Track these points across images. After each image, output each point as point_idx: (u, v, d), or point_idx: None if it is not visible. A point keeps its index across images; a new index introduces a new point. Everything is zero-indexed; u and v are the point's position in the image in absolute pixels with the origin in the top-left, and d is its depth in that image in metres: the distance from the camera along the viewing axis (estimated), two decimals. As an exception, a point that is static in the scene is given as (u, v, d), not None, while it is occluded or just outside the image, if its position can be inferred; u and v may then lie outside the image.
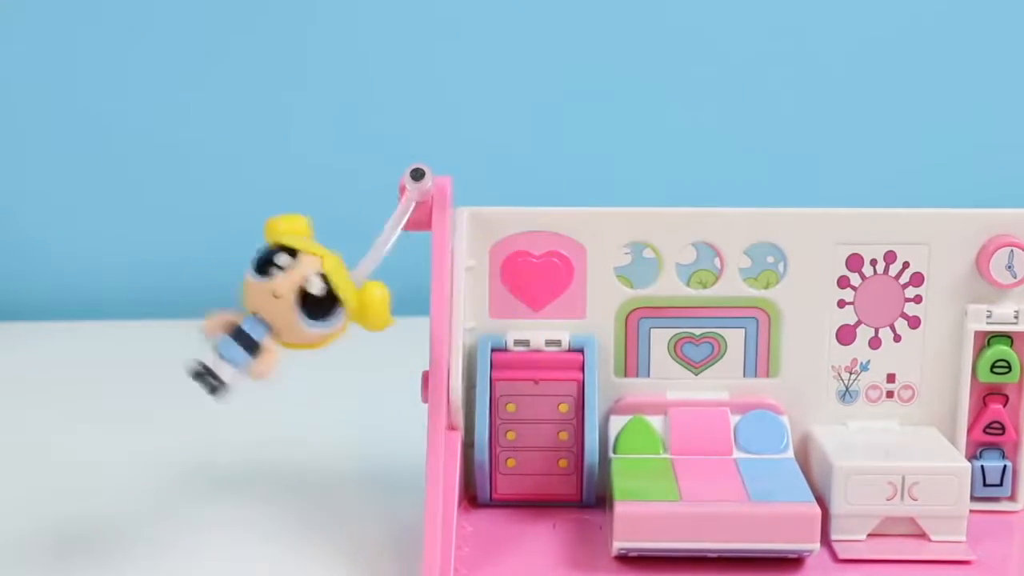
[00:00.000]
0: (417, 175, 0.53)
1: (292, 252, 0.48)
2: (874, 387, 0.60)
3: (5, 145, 1.05)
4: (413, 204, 0.54)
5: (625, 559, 0.53)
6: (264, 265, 0.48)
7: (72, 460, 0.71)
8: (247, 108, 1.04)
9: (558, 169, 1.04)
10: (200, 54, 1.03)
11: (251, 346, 0.48)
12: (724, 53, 1.03)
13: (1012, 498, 0.59)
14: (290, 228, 0.49)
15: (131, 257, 1.07)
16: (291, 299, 0.47)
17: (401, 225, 0.53)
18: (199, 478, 0.67)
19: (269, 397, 0.83)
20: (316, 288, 0.48)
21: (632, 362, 0.60)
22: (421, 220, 0.55)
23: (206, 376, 0.48)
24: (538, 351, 0.58)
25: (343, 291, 0.48)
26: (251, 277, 0.48)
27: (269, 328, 0.48)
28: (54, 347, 0.97)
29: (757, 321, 0.59)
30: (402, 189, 0.54)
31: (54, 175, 1.06)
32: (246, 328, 0.48)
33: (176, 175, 1.06)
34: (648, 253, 0.59)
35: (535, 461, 0.58)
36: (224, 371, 0.48)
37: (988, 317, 0.58)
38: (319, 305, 0.48)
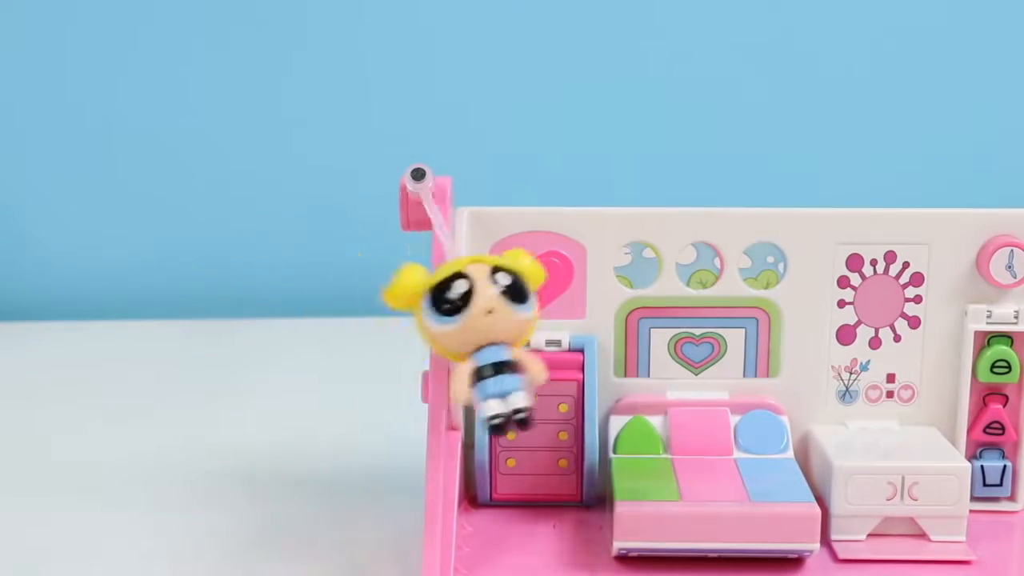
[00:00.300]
0: (417, 175, 0.53)
1: (458, 276, 0.47)
2: (874, 387, 0.60)
3: (5, 145, 1.05)
4: (431, 199, 0.53)
5: (625, 559, 0.53)
6: (446, 307, 0.47)
7: (72, 460, 0.71)
8: (248, 108, 1.04)
9: (558, 169, 1.04)
10: (200, 54, 1.03)
11: (511, 367, 0.47)
12: (724, 53, 1.03)
13: (1012, 498, 0.59)
14: (414, 277, 0.48)
15: (131, 257, 1.07)
16: (501, 302, 0.47)
17: (439, 216, 0.53)
18: (199, 478, 0.67)
19: (269, 397, 0.83)
20: (506, 279, 0.47)
21: (632, 362, 0.60)
22: (421, 220, 0.55)
23: (508, 420, 0.47)
24: (538, 351, 0.58)
25: (516, 268, 0.48)
26: (444, 325, 0.47)
27: (502, 344, 0.47)
28: (54, 347, 0.97)
29: (757, 321, 0.59)
30: (403, 189, 0.54)
31: (54, 175, 1.06)
32: (490, 360, 0.47)
33: (176, 175, 1.06)
34: (648, 253, 0.59)
35: (535, 461, 0.58)
36: (519, 400, 0.47)
37: (988, 317, 0.58)
38: (518, 289, 0.48)
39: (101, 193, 1.06)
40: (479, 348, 0.47)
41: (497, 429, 0.47)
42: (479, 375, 0.47)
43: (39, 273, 1.08)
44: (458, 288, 0.47)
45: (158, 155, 1.05)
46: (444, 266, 0.48)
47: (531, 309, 0.48)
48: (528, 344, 0.52)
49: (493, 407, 0.47)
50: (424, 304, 0.48)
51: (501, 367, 0.47)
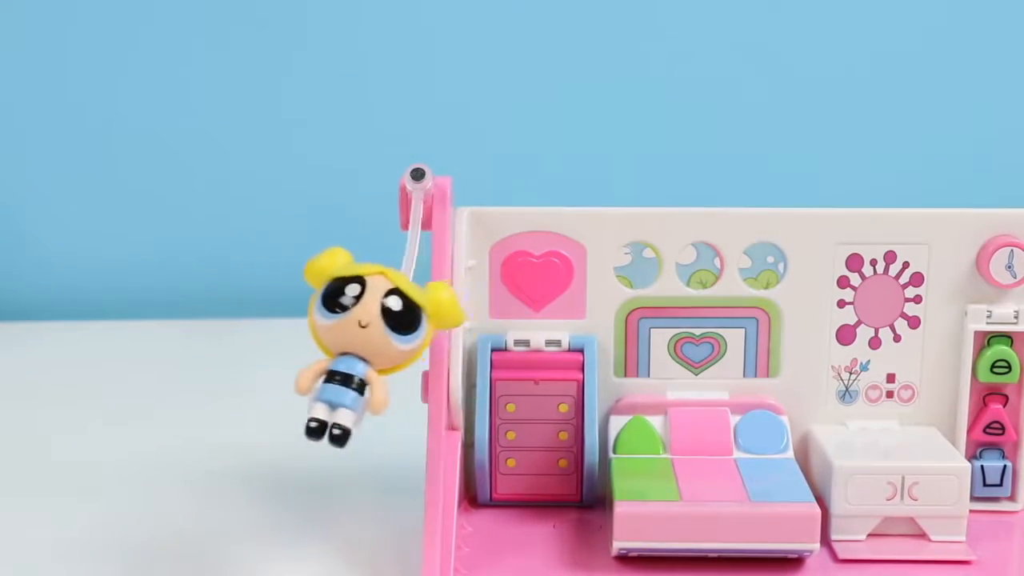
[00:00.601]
0: (417, 175, 0.53)
1: (356, 280, 0.47)
2: (874, 387, 0.60)
3: (5, 145, 1.05)
4: (421, 203, 0.53)
5: (625, 559, 0.53)
6: (333, 303, 0.47)
7: (72, 460, 0.71)
8: (248, 108, 1.04)
9: (558, 169, 1.04)
10: (201, 54, 1.03)
11: (356, 383, 0.47)
12: (724, 53, 1.03)
13: (1012, 498, 0.59)
14: (332, 261, 0.48)
15: (131, 257, 1.07)
16: (378, 323, 0.47)
17: (419, 225, 0.53)
18: (199, 478, 0.67)
19: (269, 397, 0.83)
20: (396, 304, 0.47)
21: (632, 362, 0.60)
22: (422, 220, 0.55)
23: (325, 430, 0.46)
24: (538, 351, 0.58)
25: (419, 299, 0.48)
26: (324, 319, 0.47)
27: (364, 360, 0.47)
28: (54, 347, 0.97)
29: (757, 321, 0.59)
30: (403, 189, 0.54)
31: (54, 175, 1.06)
32: (343, 368, 0.47)
33: (176, 175, 1.06)
34: (648, 253, 0.59)
35: (535, 461, 0.58)
36: (342, 417, 0.46)
37: (988, 317, 0.58)
38: (404, 319, 0.47)
39: (101, 193, 1.06)
40: (343, 353, 0.47)
41: (311, 433, 0.47)
42: (327, 376, 0.47)
43: (39, 273, 1.08)
44: (350, 291, 0.47)
45: (158, 155, 1.05)
46: (358, 266, 0.48)
47: (412, 342, 0.48)
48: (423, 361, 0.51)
49: (318, 411, 0.47)
50: (320, 291, 0.48)
51: (347, 379, 0.47)
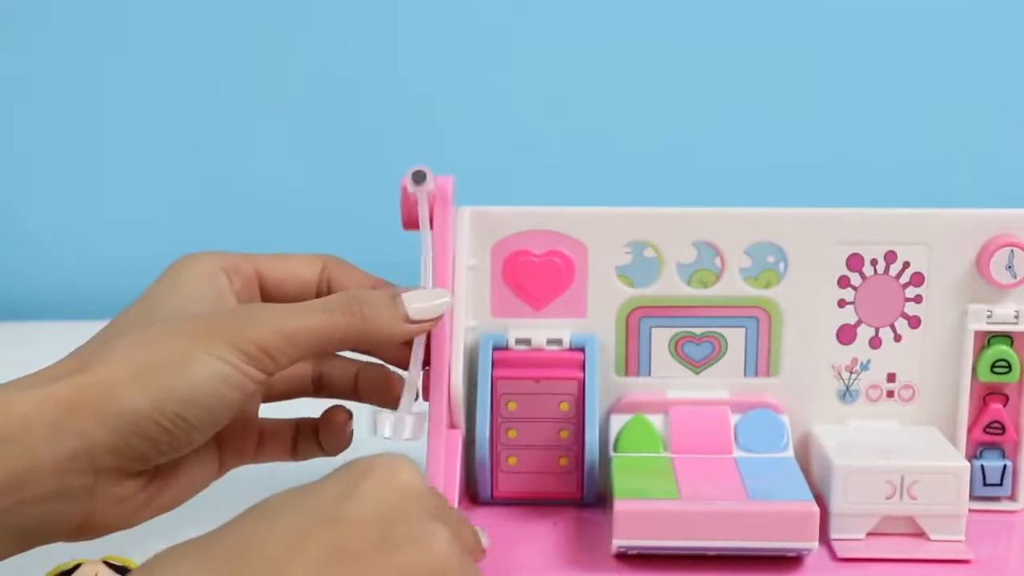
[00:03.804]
0: (419, 178, 0.53)
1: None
2: (874, 387, 0.60)
3: (5, 145, 1.05)
4: (427, 206, 0.54)
5: (625, 557, 0.53)
6: None
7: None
8: (248, 108, 1.04)
9: (559, 169, 1.04)
10: (201, 54, 1.03)
11: None
12: (724, 53, 1.03)
13: (1012, 498, 0.59)
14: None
15: (131, 257, 1.07)
16: None
17: (429, 227, 0.53)
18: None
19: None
20: None
21: (633, 361, 0.60)
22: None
23: None
24: (539, 350, 0.58)
25: None
26: None
27: None
28: (54, 347, 0.97)
29: (757, 320, 0.59)
30: (404, 191, 0.54)
31: (54, 175, 1.06)
32: None
33: (177, 175, 1.06)
34: (649, 252, 0.59)
35: (536, 459, 0.58)
36: None
37: (988, 317, 0.58)
38: None
39: (102, 193, 1.06)
40: None
41: None
42: None
43: (39, 273, 1.08)
44: None
45: (159, 155, 1.05)
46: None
47: None
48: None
49: None
50: None
51: None
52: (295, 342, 0.47)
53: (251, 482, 0.66)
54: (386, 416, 0.51)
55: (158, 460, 0.47)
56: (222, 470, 0.54)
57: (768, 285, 0.59)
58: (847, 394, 0.60)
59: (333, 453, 0.56)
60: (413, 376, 0.52)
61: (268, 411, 0.58)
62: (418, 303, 0.51)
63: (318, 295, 0.55)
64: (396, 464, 0.42)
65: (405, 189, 0.54)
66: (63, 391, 0.45)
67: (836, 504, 0.54)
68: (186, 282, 0.52)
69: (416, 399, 0.52)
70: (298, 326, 0.47)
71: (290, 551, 0.39)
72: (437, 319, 0.52)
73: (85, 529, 0.47)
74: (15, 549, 0.46)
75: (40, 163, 1.06)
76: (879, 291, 0.59)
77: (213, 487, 0.58)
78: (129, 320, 0.51)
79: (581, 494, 0.59)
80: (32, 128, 1.05)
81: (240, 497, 0.64)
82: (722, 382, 0.60)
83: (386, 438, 0.51)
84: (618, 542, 0.52)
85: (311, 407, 0.59)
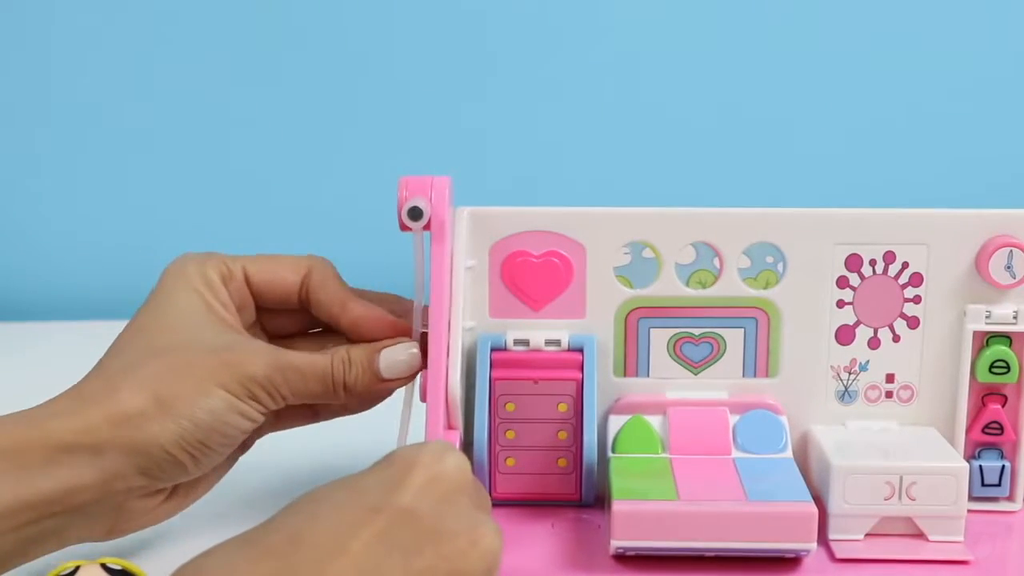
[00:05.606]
0: (415, 214, 0.54)
1: None
2: (873, 387, 0.60)
3: (5, 144, 1.05)
4: (423, 244, 0.54)
5: (623, 558, 0.53)
6: None
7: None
8: (248, 109, 1.04)
9: (558, 169, 1.04)
10: (201, 54, 1.03)
11: None
12: (724, 53, 1.03)
13: (1010, 498, 0.59)
14: None
15: (131, 257, 1.07)
16: None
17: (423, 267, 0.55)
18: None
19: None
20: None
21: (631, 362, 0.60)
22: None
23: None
24: (538, 351, 0.58)
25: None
26: None
27: None
28: (54, 347, 0.97)
29: (756, 321, 0.59)
30: (402, 226, 0.55)
31: (54, 175, 1.06)
32: None
33: (177, 175, 1.06)
34: (648, 253, 0.59)
35: (534, 460, 0.58)
36: None
37: (987, 317, 0.58)
38: None
39: (102, 193, 1.06)
40: None
41: None
42: None
43: (39, 273, 1.08)
44: None
45: (159, 155, 1.05)
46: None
47: None
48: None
49: None
50: None
51: None
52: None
53: (252, 484, 0.66)
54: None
55: (182, 480, 0.53)
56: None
57: (767, 285, 0.59)
58: (846, 395, 0.60)
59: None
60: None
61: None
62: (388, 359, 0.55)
63: (299, 300, 0.57)
64: (442, 454, 0.43)
65: (404, 188, 0.54)
66: (97, 419, 0.50)
67: (835, 505, 0.54)
68: (177, 301, 0.56)
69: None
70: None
71: (340, 542, 0.39)
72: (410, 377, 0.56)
73: (115, 532, 0.53)
74: (55, 547, 0.51)
75: (41, 163, 1.06)
76: (878, 291, 0.59)
77: (217, 485, 0.59)
78: (136, 347, 0.55)
79: (579, 495, 0.59)
80: (34, 129, 1.05)
81: (241, 496, 0.64)
82: (721, 383, 0.59)
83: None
84: (616, 543, 0.52)
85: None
